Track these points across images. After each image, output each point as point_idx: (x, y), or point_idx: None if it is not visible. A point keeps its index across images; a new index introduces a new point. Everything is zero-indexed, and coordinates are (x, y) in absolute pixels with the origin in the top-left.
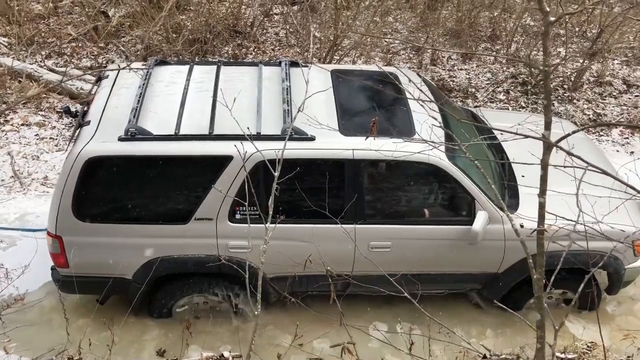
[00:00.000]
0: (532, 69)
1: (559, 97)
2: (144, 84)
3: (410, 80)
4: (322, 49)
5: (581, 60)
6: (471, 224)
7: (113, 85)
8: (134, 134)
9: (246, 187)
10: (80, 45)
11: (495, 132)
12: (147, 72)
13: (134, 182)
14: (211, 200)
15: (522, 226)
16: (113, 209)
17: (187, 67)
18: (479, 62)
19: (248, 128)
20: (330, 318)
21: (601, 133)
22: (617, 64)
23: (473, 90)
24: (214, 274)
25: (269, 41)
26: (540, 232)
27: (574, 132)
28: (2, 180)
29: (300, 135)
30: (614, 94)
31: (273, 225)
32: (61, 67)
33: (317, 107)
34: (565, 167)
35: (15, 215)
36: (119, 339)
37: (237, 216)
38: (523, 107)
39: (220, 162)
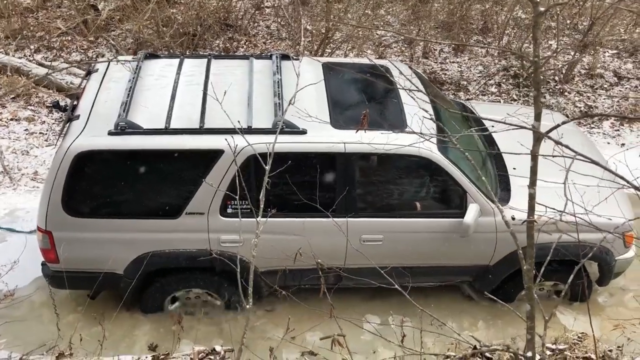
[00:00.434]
0: (524, 61)
1: (551, 90)
2: (134, 78)
3: (401, 73)
4: (314, 42)
5: (572, 53)
6: (463, 217)
7: (102, 79)
8: (124, 128)
9: (237, 181)
10: (69, 39)
11: (487, 124)
12: (137, 65)
13: (124, 176)
14: (202, 194)
15: (513, 218)
16: (103, 204)
17: (177, 60)
18: (471, 54)
19: (239, 122)
20: (321, 311)
21: (592, 125)
22: (608, 56)
23: (465, 83)
24: (206, 268)
25: (260, 34)
26: (530, 223)
27: (563, 123)
28: None
29: (291, 129)
30: (605, 86)
31: (264, 219)
32: (50, 61)
33: (309, 100)
34: (554, 156)
35: (5, 210)
36: (110, 333)
37: (229, 210)
38: (515, 100)
39: (211, 156)
